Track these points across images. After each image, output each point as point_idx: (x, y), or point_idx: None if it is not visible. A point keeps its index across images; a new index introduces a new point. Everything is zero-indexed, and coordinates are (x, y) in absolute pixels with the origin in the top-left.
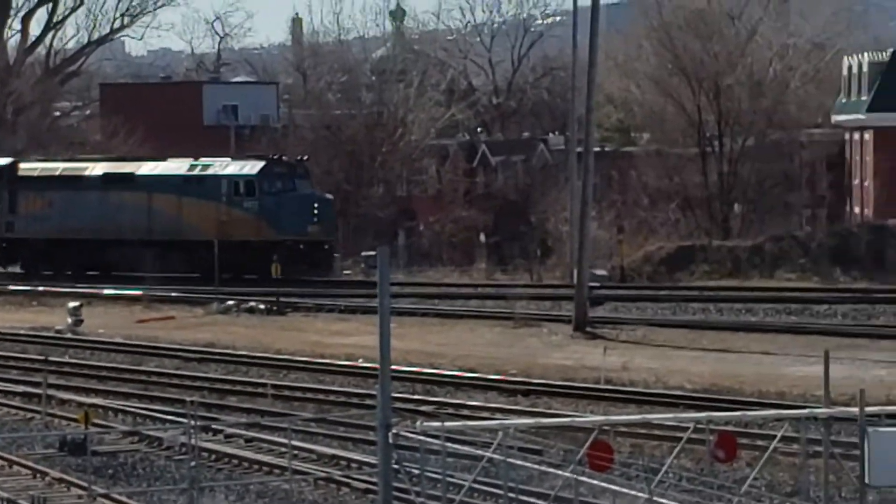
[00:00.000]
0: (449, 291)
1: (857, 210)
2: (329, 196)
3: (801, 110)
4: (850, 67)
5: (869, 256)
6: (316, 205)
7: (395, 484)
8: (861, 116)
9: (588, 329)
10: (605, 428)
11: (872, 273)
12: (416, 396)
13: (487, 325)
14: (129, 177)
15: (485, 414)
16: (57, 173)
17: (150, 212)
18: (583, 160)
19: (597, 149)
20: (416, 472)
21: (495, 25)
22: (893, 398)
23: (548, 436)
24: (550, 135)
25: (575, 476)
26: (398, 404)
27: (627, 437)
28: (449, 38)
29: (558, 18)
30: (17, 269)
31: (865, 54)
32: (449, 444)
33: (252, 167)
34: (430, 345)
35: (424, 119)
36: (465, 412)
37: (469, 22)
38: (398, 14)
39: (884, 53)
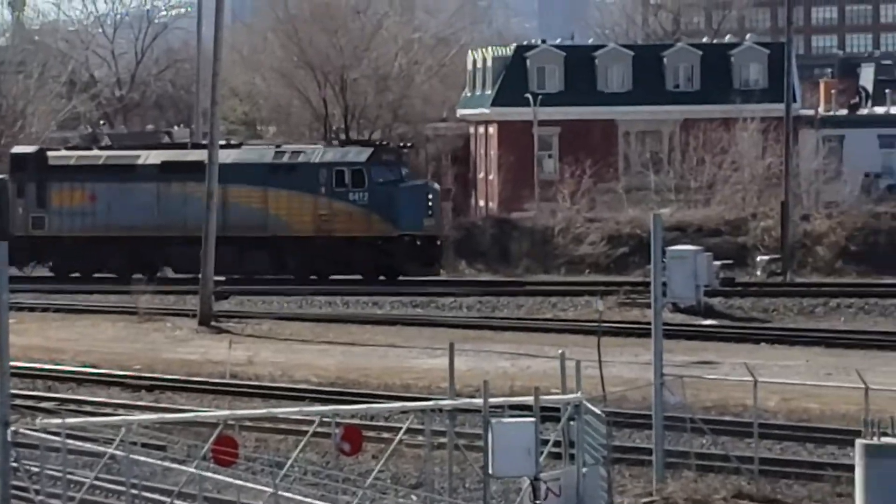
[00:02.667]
0: (71, 288)
1: (482, 203)
2: (437, 186)
3: (427, 104)
4: (474, 62)
5: (493, 249)
6: (430, 196)
7: (15, 483)
8: (485, 110)
9: (213, 323)
10: (230, 423)
11: (496, 266)
12: (36, 393)
13: (111, 319)
14: (198, 166)
15: (108, 410)
16: (100, 162)
17: (226, 205)
18: (209, 154)
19: (222, 142)
20: (36, 470)
21: (118, 17)
22: (517, 389)
23: (172, 431)
24: (175, 127)
25: (199, 472)
26: (17, 401)
27: (253, 431)
28: (70, 28)
29: (183, 10)
30: (36, 271)
31: (489, 49)
32: (70, 441)
33: (358, 154)
34: (51, 340)
35: (45, 111)
36: (88, 409)
37: (91, 13)
38: (17, 4)
39: (507, 49)
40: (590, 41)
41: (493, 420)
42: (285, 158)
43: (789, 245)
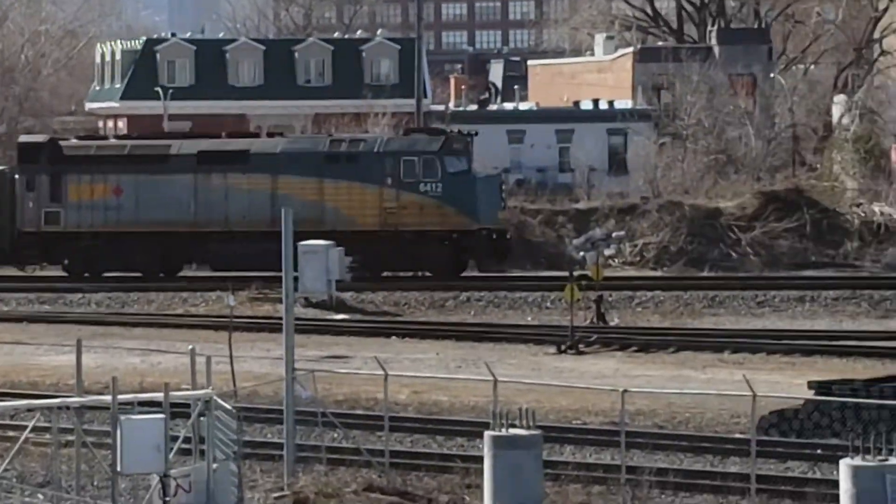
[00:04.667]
0: None
1: None
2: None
3: (55, 97)
4: (102, 55)
5: None
6: (503, 186)
7: None
8: (115, 104)
9: None
10: None
11: None
12: None
13: None
14: (241, 155)
15: None
16: (125, 152)
17: (275, 197)
18: None
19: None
20: None
21: None
22: (147, 386)
23: None
24: None
25: None
26: None
27: None
28: None
29: None
30: (44, 270)
31: (118, 42)
32: None
33: (429, 142)
34: None
35: None
36: None
37: None
38: None
39: (137, 42)
40: (221, 35)
41: (122, 417)
42: (343, 147)
43: None
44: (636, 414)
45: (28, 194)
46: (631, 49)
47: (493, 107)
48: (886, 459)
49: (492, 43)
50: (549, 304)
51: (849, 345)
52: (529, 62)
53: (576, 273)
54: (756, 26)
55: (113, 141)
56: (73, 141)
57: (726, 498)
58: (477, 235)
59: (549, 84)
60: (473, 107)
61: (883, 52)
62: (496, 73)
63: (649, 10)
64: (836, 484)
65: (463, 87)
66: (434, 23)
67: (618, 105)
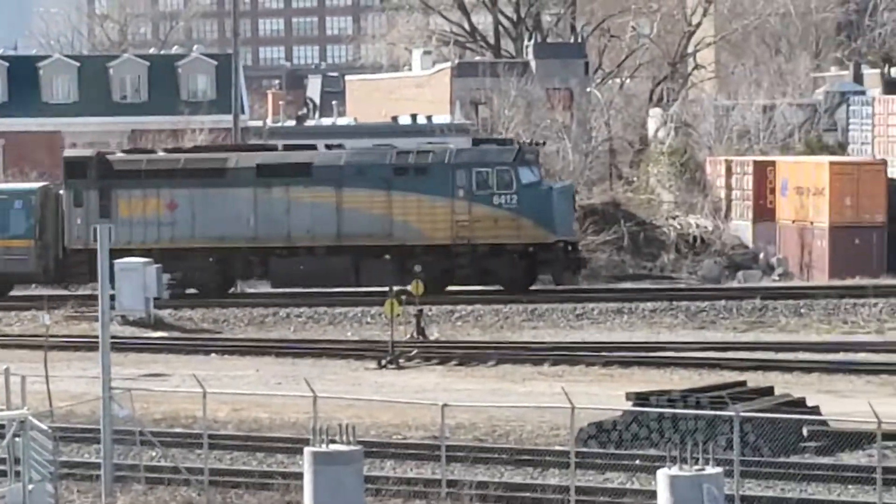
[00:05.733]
0: None
1: None
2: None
3: None
4: None
5: None
6: (576, 198)
7: None
8: None
9: None
10: None
11: None
12: None
13: None
14: (303, 168)
15: None
16: (179, 166)
17: (340, 211)
18: None
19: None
20: None
21: None
22: None
23: None
24: None
25: None
26: None
27: None
28: None
29: None
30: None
31: None
32: None
33: (501, 153)
34: None
35: None
36: None
37: None
38: None
39: None
40: (34, 52)
41: None
42: (411, 159)
43: None
44: (456, 428)
45: (76, 210)
46: (448, 64)
47: (310, 122)
48: (703, 469)
49: (309, 58)
50: (369, 320)
51: (666, 356)
52: (347, 77)
53: (395, 288)
54: (572, 41)
55: (164, 154)
56: (121, 155)
57: None
58: (555, 248)
59: (368, 99)
60: (291, 122)
61: (697, 66)
62: (314, 88)
63: (466, 26)
64: (654, 494)
65: (281, 102)
66: (251, 38)
67: (436, 120)
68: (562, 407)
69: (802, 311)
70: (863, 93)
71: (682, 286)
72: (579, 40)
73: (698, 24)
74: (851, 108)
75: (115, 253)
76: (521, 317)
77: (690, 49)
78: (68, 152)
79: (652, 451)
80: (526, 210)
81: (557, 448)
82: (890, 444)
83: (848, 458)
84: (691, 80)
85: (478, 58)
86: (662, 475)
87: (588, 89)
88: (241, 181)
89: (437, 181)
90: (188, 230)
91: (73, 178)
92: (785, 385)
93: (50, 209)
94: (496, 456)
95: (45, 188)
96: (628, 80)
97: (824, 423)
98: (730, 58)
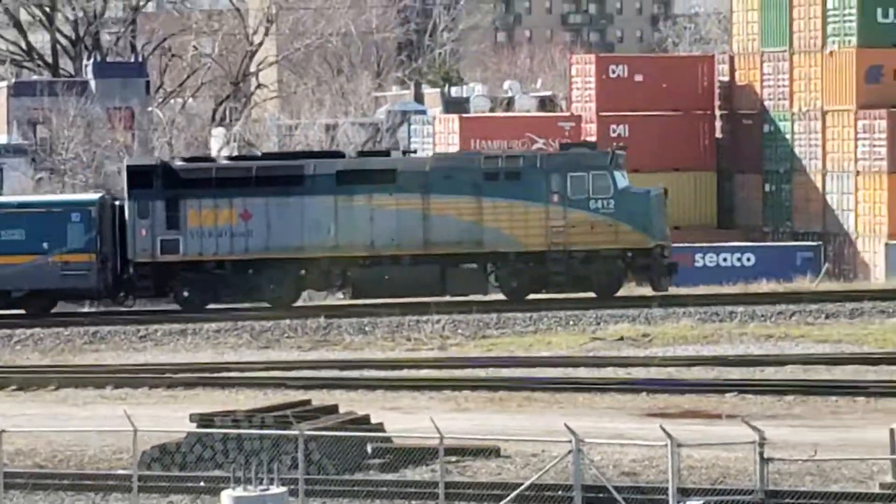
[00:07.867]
0: None
1: None
2: None
3: None
4: None
5: None
6: (668, 201)
7: None
8: None
9: None
10: None
11: None
12: None
13: None
14: (387, 174)
15: None
16: (252, 174)
17: (427, 219)
18: None
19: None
20: None
21: None
22: None
23: None
24: None
25: None
26: None
27: None
28: None
29: None
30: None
31: None
32: None
33: (595, 157)
34: None
35: None
36: None
37: None
38: None
39: None
40: None
41: None
42: (502, 164)
43: None
44: (15, 454)
45: (140, 222)
46: (5, 83)
47: None
48: (267, 489)
49: None
50: None
51: (231, 376)
52: None
53: None
54: (133, 60)
55: (234, 162)
56: (189, 164)
57: None
58: (653, 253)
59: None
60: None
61: (260, 86)
62: None
63: (23, 45)
64: None
65: None
66: None
67: None
68: (124, 430)
69: (367, 328)
70: (423, 112)
71: (247, 306)
72: (140, 59)
73: (260, 44)
74: (413, 126)
75: (185, 266)
76: (82, 340)
77: (253, 68)
78: (131, 161)
79: (217, 473)
80: (623, 215)
81: (120, 472)
82: (452, 458)
83: (412, 473)
84: (254, 99)
85: (35, 77)
86: (226, 496)
87: (150, 108)
88: (321, 189)
89: (530, 186)
90: (264, 240)
91: (137, 188)
92: (350, 403)
93: (107, 222)
94: (57, 482)
95: (102, 200)
96: (191, 100)
97: (388, 439)
98: (292, 77)
